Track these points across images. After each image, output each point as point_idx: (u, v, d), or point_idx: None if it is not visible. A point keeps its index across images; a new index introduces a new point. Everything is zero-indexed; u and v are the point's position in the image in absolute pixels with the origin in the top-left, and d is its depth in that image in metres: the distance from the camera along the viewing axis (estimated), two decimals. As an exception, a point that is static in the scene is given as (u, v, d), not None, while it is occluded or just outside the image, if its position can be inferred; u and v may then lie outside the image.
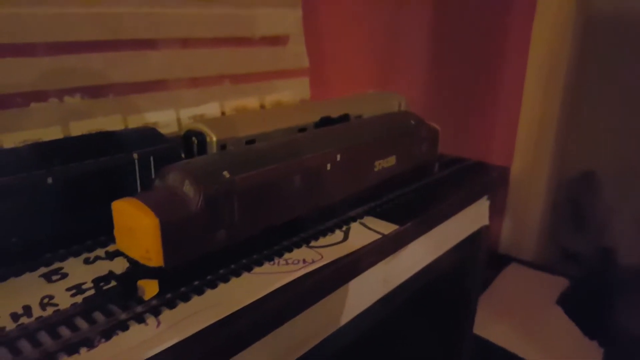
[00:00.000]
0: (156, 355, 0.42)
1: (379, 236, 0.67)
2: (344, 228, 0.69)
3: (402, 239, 0.72)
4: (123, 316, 0.46)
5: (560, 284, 1.93)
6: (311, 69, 1.11)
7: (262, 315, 0.50)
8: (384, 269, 0.71)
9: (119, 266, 0.54)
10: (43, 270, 0.55)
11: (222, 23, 0.93)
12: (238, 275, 0.55)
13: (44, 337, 0.43)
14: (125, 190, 0.60)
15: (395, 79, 1.41)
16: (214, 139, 0.71)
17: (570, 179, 2.08)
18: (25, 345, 0.42)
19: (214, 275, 0.54)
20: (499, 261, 2.10)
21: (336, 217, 0.70)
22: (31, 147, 0.59)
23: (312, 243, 0.64)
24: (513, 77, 1.97)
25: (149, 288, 0.48)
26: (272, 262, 0.59)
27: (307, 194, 0.64)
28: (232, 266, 0.56)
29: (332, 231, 0.68)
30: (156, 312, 0.47)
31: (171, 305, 0.48)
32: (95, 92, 0.79)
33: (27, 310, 0.47)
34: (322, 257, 0.60)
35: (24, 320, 0.45)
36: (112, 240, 0.54)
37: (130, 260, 0.49)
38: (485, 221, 1.00)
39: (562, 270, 2.01)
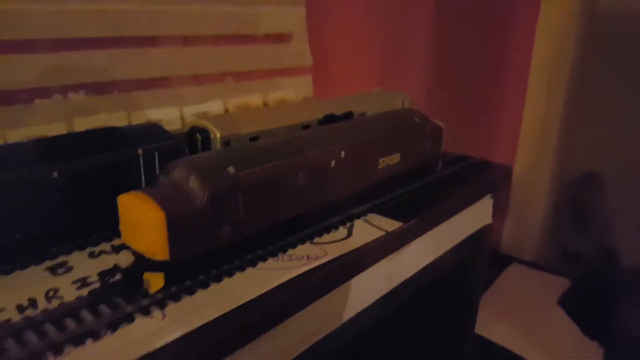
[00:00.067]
0: (162, 347, 0.42)
1: (383, 233, 0.67)
2: (348, 225, 0.69)
3: (406, 237, 0.72)
4: (128, 309, 0.46)
5: (561, 284, 1.93)
6: (314, 67, 1.11)
7: (267, 310, 0.50)
8: (388, 266, 0.71)
9: (124, 260, 0.54)
10: (48, 263, 0.55)
11: (225, 20, 0.93)
12: (243, 270, 0.55)
13: (50, 329, 0.43)
14: (129, 186, 0.60)
15: (398, 78, 1.41)
16: (218, 135, 0.71)
17: (573, 179, 2.08)
18: (31, 336, 0.42)
19: (219, 270, 0.54)
20: (500, 261, 2.10)
21: (340, 213, 0.70)
22: (36, 142, 0.59)
23: (316, 239, 0.64)
24: (516, 76, 1.97)
25: (155, 281, 0.48)
26: (276, 258, 0.59)
27: (311, 190, 0.64)
28: (237, 261, 0.56)
29: (336, 228, 0.68)
30: (161, 305, 0.47)
31: (176, 298, 0.49)
32: (99, 88, 0.79)
33: (33, 302, 0.47)
34: (326, 253, 0.60)
35: (30, 312, 0.45)
36: (117, 235, 0.54)
37: (135, 253, 0.49)
38: (488, 220, 1.00)
39: (563, 271, 2.01)
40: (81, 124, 0.76)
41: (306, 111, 0.85)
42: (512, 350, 1.54)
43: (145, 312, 0.46)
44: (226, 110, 0.96)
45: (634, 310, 1.69)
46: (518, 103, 2.00)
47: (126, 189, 0.51)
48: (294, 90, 1.09)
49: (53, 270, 0.54)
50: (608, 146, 1.95)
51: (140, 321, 0.45)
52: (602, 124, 1.96)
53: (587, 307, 1.74)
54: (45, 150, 0.56)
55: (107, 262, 0.55)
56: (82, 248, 0.58)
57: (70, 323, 0.44)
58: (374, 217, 0.72)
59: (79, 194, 0.58)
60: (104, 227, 0.61)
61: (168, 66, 0.88)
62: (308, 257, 0.59)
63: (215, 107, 0.94)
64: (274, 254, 0.59)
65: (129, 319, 0.45)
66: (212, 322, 0.46)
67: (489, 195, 0.97)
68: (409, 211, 0.74)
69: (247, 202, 0.55)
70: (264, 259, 0.58)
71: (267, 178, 0.57)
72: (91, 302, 0.47)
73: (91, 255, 0.57)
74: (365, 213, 0.72)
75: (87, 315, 0.45)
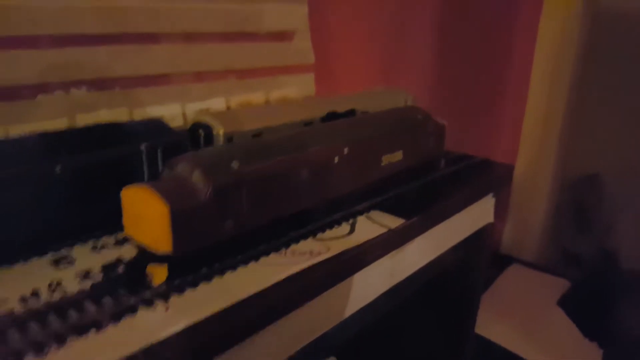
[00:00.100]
0: (165, 339, 0.42)
1: (385, 230, 0.67)
2: (351, 221, 0.69)
3: (408, 234, 0.72)
4: (132, 301, 0.46)
5: (561, 285, 1.93)
6: (316, 65, 1.11)
7: (269, 305, 0.51)
8: (390, 263, 0.71)
9: (127, 254, 0.54)
10: (51, 257, 0.55)
11: (228, 18, 0.93)
12: (246, 264, 0.55)
13: (53, 319, 0.43)
14: (131, 181, 0.59)
15: (400, 76, 1.41)
16: (221, 131, 0.71)
17: (574, 180, 2.08)
18: (34, 326, 0.42)
19: (222, 264, 0.54)
20: (500, 261, 2.10)
21: (343, 210, 0.70)
22: (40, 136, 0.59)
23: (319, 235, 0.64)
24: (518, 76, 1.97)
25: (158, 274, 0.48)
26: (279, 253, 0.59)
27: (315, 186, 0.64)
28: (240, 256, 0.56)
29: (339, 224, 0.68)
30: (165, 298, 0.47)
31: (179, 291, 0.49)
32: (101, 85, 0.79)
33: (36, 293, 0.47)
34: (328, 249, 0.60)
35: (33, 303, 0.45)
36: (119, 229, 0.54)
37: (139, 246, 0.49)
38: (490, 219, 1.00)
39: (563, 272, 2.01)
40: (84, 120, 0.76)
41: (309, 109, 0.85)
42: (512, 351, 1.54)
43: (149, 304, 0.46)
44: (228, 108, 0.96)
45: (634, 311, 1.69)
46: (519, 103, 2.00)
47: (128, 184, 0.51)
48: (296, 89, 1.09)
49: (56, 263, 0.54)
50: (609, 147, 1.96)
51: (143, 313, 0.45)
52: (604, 125, 1.96)
53: (586, 308, 1.74)
54: (49, 145, 0.56)
55: (109, 255, 0.55)
56: (84, 242, 0.58)
57: (73, 314, 0.44)
58: (376, 214, 0.72)
59: (82, 188, 0.58)
60: (106, 221, 0.60)
61: (170, 63, 0.88)
62: (311, 252, 0.59)
63: (217, 104, 0.94)
64: (276, 249, 0.59)
65: (132, 310, 0.45)
66: (215, 315, 0.46)
67: (491, 194, 0.97)
68: (411, 208, 0.74)
69: (250, 196, 0.55)
70: (267, 254, 0.58)
71: (270, 173, 0.57)
72: (94, 293, 0.46)
73: (94, 249, 0.57)
74: (367, 210, 0.72)
75: (90, 307, 0.45)
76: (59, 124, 0.73)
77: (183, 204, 0.48)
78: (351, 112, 0.89)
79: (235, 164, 0.53)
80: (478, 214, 0.95)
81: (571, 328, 1.68)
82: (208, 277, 0.52)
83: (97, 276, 0.51)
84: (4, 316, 0.43)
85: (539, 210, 2.09)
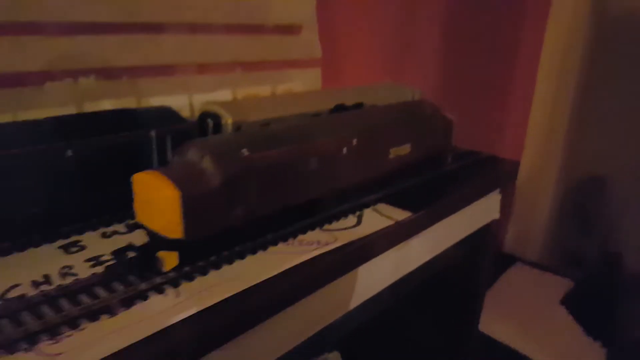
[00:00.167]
0: (175, 324, 0.42)
1: (392, 223, 0.67)
2: (358, 213, 0.69)
3: (415, 227, 0.72)
4: (143, 286, 0.46)
5: (564, 284, 1.93)
6: (323, 59, 1.10)
7: (276, 293, 0.51)
8: (396, 256, 0.71)
9: (138, 239, 0.55)
10: (61, 242, 0.55)
11: (236, 10, 0.93)
12: (254, 252, 0.55)
13: (65, 304, 0.43)
14: (141, 168, 0.60)
15: (407, 72, 1.41)
16: (230, 121, 0.71)
17: (578, 181, 2.08)
18: (46, 310, 0.42)
19: (231, 252, 0.54)
20: (503, 261, 2.10)
21: (350, 201, 0.70)
22: (51, 120, 0.59)
23: (326, 226, 0.64)
24: (525, 75, 1.96)
25: (169, 260, 0.48)
26: (286, 243, 0.59)
27: (323, 177, 0.64)
28: (248, 244, 0.56)
29: (346, 215, 0.68)
30: (175, 284, 0.47)
31: (189, 277, 0.49)
32: (109, 73, 0.79)
33: (47, 278, 0.47)
34: (336, 240, 0.60)
35: (45, 287, 0.45)
36: (129, 216, 0.54)
37: (149, 232, 0.49)
38: (495, 215, 1.00)
39: (566, 272, 2.00)
40: (91, 108, 0.77)
41: (317, 100, 0.85)
42: (515, 349, 1.54)
43: (159, 290, 0.46)
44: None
45: (637, 311, 1.69)
46: (525, 103, 2.00)
47: (138, 170, 0.51)
48: (302, 83, 1.08)
49: (66, 248, 0.54)
50: (613, 149, 1.95)
51: (154, 299, 0.46)
52: (609, 127, 1.95)
53: (590, 307, 1.74)
54: (60, 129, 0.56)
55: (119, 241, 0.56)
56: (94, 228, 0.59)
57: (85, 299, 0.44)
58: (383, 207, 0.72)
59: (92, 172, 0.58)
60: (116, 207, 0.61)
61: (178, 54, 0.88)
62: (318, 242, 0.59)
63: (224, 96, 0.95)
64: (284, 239, 0.59)
65: (143, 296, 0.45)
66: (224, 301, 0.46)
67: (497, 190, 0.97)
68: (418, 202, 0.74)
69: (259, 184, 0.55)
70: (275, 243, 0.58)
71: (280, 162, 0.57)
72: (106, 279, 0.47)
73: (104, 235, 0.58)
74: (375, 202, 0.72)
75: (101, 292, 0.45)
76: (67, 111, 0.73)
77: (194, 190, 0.48)
78: (359, 106, 0.89)
79: (244, 151, 0.53)
80: (484, 210, 0.95)
81: (574, 327, 1.68)
82: (217, 265, 0.52)
83: (108, 262, 0.51)
84: (16, 300, 0.43)
85: (542, 211, 2.09)
